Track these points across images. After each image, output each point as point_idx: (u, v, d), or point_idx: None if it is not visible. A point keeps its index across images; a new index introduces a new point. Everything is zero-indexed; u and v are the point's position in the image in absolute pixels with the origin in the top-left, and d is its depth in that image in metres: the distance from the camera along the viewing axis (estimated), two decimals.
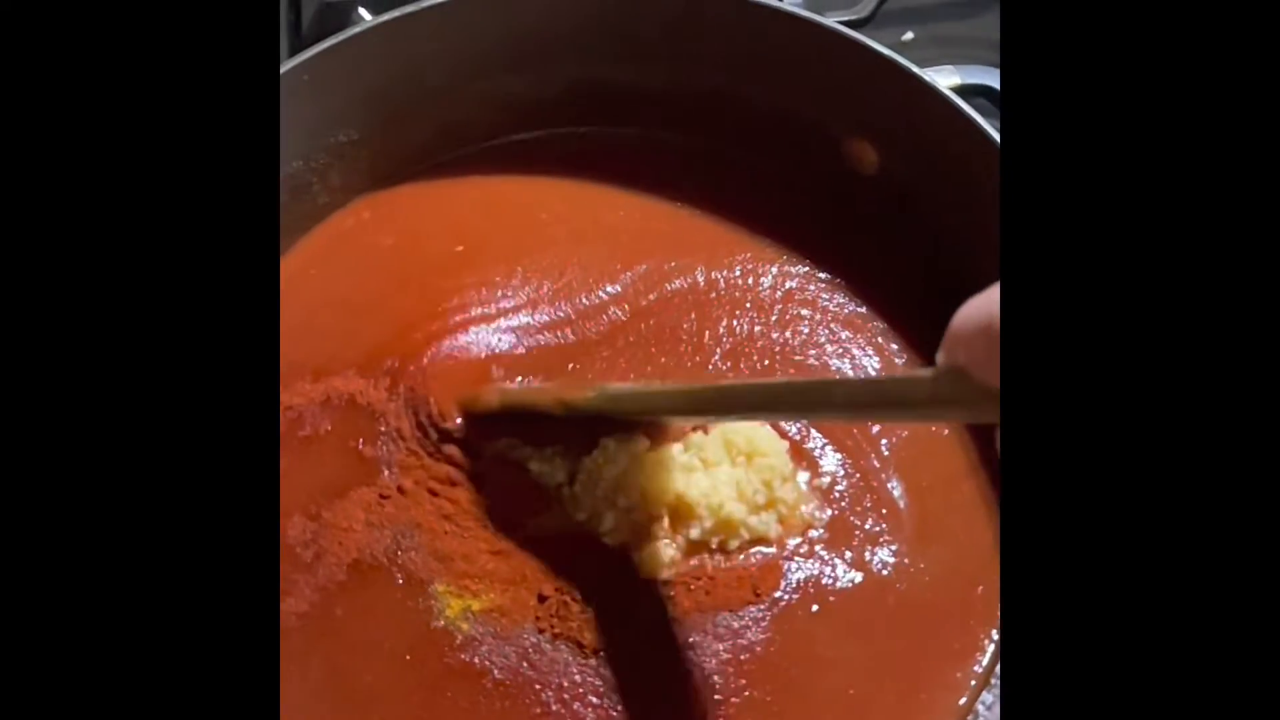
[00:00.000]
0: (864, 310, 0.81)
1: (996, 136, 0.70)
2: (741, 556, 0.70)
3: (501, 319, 0.79)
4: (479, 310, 0.79)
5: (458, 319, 0.78)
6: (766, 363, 0.79)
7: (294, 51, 0.99)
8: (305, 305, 0.80)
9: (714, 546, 0.70)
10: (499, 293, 0.80)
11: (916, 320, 0.80)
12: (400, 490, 0.72)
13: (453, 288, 0.80)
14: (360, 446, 0.74)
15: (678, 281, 0.82)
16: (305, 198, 0.82)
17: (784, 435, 0.74)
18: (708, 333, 0.80)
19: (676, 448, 0.72)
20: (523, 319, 0.79)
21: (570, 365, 0.77)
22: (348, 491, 0.72)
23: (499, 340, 0.78)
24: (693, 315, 0.80)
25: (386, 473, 0.73)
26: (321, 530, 0.71)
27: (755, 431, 0.71)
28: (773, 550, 0.71)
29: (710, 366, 0.78)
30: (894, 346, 0.80)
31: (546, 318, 0.79)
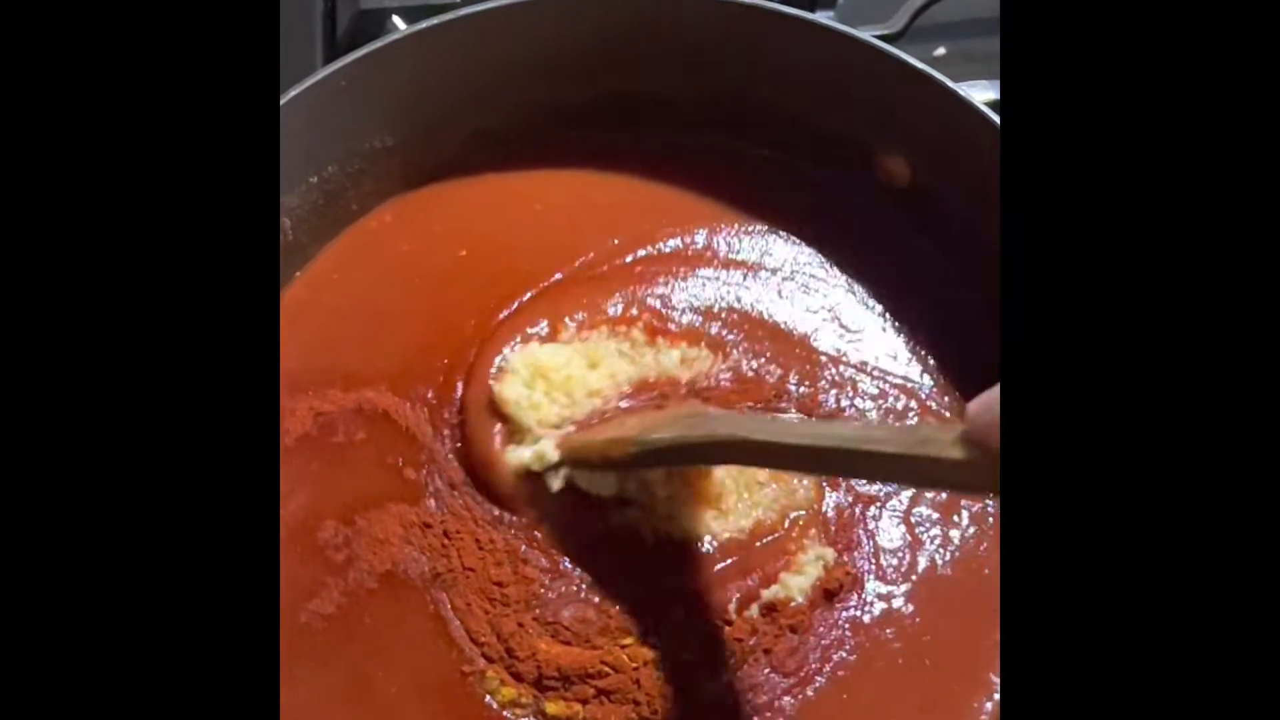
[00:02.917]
0: (883, 288, 0.82)
1: None
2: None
3: (507, 325, 0.78)
4: (473, 321, 0.78)
5: (463, 335, 0.78)
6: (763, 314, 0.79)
7: (329, 58, 1.01)
8: (331, 312, 0.80)
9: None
10: (495, 291, 0.80)
11: (932, 311, 0.80)
12: (446, 535, 0.71)
13: (461, 299, 0.80)
14: (401, 466, 0.73)
15: (674, 242, 0.82)
16: (339, 202, 0.83)
17: None
18: (700, 286, 0.80)
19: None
20: (526, 318, 0.78)
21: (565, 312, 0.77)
22: (386, 504, 0.72)
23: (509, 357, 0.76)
24: (681, 270, 0.81)
25: (433, 504, 0.72)
26: (355, 536, 0.71)
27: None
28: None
29: (692, 310, 0.79)
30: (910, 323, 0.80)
31: (546, 303, 0.79)
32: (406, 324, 0.79)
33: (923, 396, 0.76)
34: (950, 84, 0.73)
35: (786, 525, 0.71)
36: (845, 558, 0.71)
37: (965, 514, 0.73)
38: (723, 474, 0.72)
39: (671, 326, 0.78)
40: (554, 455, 0.69)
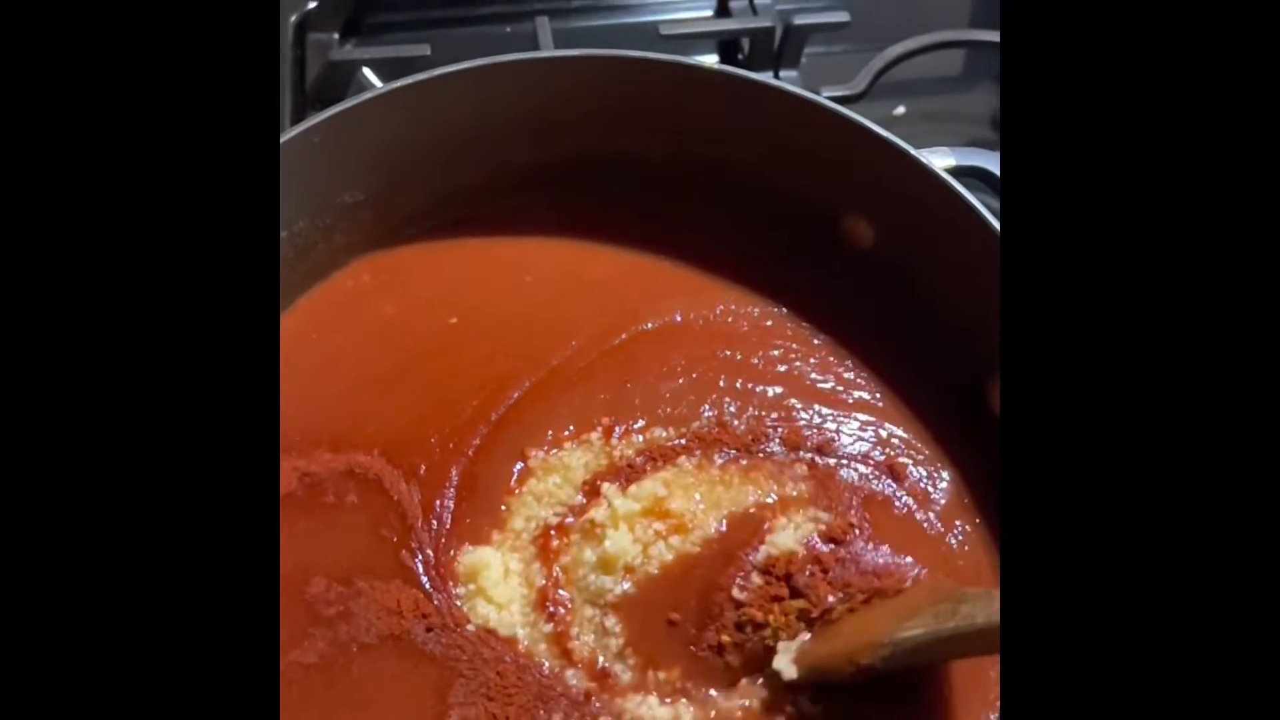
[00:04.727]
0: (845, 348, 0.84)
1: (989, 217, 0.72)
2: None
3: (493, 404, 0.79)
4: (474, 402, 0.79)
5: (462, 418, 0.78)
6: (738, 384, 0.81)
7: (297, 107, 1.02)
8: (312, 371, 0.80)
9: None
10: (491, 371, 0.80)
11: (904, 366, 0.82)
12: (429, 628, 0.70)
13: (456, 370, 0.80)
14: (395, 545, 0.72)
15: (651, 323, 0.84)
16: (309, 256, 0.83)
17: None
18: (681, 362, 0.82)
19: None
20: (513, 397, 0.79)
21: (560, 421, 0.78)
22: (391, 578, 0.71)
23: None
24: (665, 350, 0.82)
25: (435, 599, 0.71)
26: (353, 595, 0.70)
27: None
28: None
29: (675, 387, 0.80)
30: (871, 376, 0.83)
31: (528, 384, 0.80)
32: (399, 389, 0.79)
33: (896, 431, 0.79)
34: (911, 151, 0.75)
35: (756, 509, 0.73)
36: (839, 520, 0.73)
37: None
38: (681, 504, 0.73)
39: (644, 421, 0.79)
40: (792, 673, 0.66)
